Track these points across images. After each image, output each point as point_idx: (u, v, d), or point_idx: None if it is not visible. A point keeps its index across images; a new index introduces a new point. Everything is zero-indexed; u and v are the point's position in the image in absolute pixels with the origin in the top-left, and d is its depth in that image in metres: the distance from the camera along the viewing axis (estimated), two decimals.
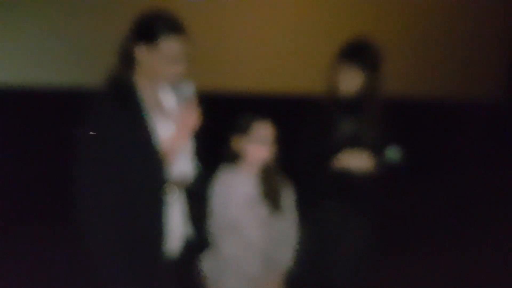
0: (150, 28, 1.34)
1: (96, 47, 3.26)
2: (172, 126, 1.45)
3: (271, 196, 1.69)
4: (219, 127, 1.68)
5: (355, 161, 1.83)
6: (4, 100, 3.12)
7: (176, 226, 1.48)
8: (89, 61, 3.34)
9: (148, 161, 1.37)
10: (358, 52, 1.81)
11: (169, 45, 1.33)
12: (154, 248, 1.42)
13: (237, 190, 1.67)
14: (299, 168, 1.92)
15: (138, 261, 1.37)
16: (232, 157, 1.71)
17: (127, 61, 1.39)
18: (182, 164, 1.49)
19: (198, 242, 1.63)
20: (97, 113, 1.32)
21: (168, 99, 1.52)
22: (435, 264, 3.24)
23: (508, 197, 4.87)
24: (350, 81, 1.82)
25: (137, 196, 1.36)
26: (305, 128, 1.94)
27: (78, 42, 3.46)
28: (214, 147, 1.67)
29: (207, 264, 1.70)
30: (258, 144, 1.65)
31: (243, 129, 1.67)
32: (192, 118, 1.44)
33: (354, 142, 1.84)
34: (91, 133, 1.31)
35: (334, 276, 1.90)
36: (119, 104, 1.33)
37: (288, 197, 1.74)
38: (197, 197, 1.60)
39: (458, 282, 3.02)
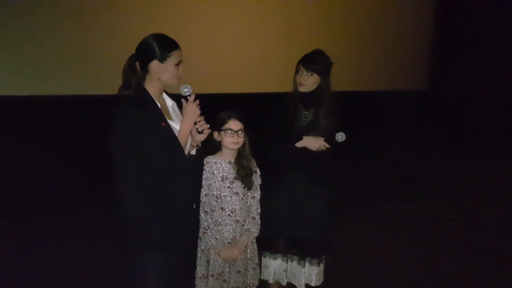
0: (163, 47, 1.76)
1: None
2: (176, 121, 1.86)
3: (244, 177, 2.07)
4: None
5: (313, 142, 2.33)
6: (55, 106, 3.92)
7: None
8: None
9: (173, 146, 1.79)
10: (314, 61, 2.31)
11: (176, 56, 1.78)
12: (186, 212, 1.87)
13: (218, 172, 2.08)
14: (270, 149, 2.39)
15: (174, 226, 1.80)
16: (215, 146, 2.11)
17: (140, 74, 1.79)
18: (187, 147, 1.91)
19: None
20: (128, 114, 1.70)
21: (168, 100, 1.94)
22: (375, 217, 4.26)
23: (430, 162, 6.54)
24: (309, 82, 2.32)
25: (170, 174, 1.77)
26: (275, 118, 2.41)
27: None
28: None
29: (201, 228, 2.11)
30: (231, 136, 2.03)
31: (220, 124, 2.05)
32: (194, 111, 1.83)
33: (312, 128, 2.34)
34: (124, 129, 1.69)
35: (302, 232, 2.39)
36: (143, 105, 1.74)
37: (257, 178, 2.16)
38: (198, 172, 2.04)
39: (393, 228, 3.99)
